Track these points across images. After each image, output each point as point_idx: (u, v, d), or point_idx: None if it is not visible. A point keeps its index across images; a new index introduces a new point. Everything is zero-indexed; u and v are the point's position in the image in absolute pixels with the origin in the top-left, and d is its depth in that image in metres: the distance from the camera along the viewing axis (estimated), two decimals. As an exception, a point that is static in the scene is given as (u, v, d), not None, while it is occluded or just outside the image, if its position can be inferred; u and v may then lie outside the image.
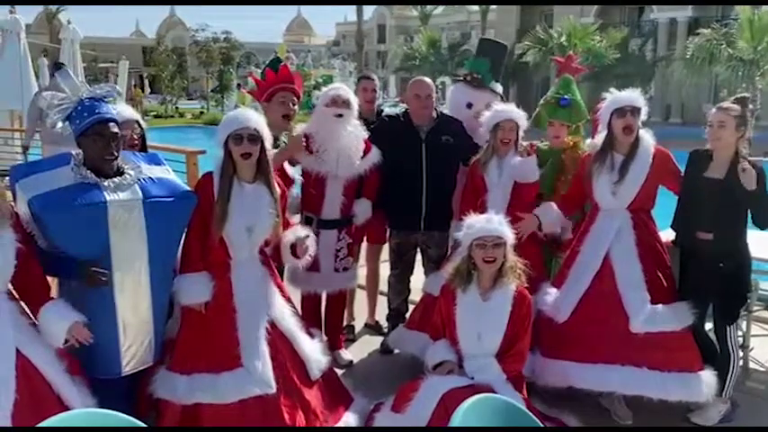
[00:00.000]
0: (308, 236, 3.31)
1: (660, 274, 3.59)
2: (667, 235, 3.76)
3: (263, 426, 2.96)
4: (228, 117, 3.15)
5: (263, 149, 3.08)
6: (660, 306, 3.46)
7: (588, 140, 4.07)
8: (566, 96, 4.22)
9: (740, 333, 3.93)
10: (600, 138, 3.72)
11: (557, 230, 3.93)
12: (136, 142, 3.48)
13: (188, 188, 3.09)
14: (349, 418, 3.31)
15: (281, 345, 3.14)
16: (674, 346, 3.43)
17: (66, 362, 2.68)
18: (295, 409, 3.06)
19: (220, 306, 3.07)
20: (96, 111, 2.77)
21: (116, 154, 2.82)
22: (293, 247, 3.29)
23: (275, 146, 3.85)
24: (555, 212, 3.85)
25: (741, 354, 3.79)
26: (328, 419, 3.20)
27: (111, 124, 2.80)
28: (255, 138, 3.04)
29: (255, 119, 3.09)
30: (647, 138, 3.64)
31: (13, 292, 2.68)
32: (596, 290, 3.57)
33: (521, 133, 3.99)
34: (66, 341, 2.64)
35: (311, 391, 3.19)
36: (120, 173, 2.84)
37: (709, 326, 3.70)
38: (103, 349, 2.84)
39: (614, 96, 3.62)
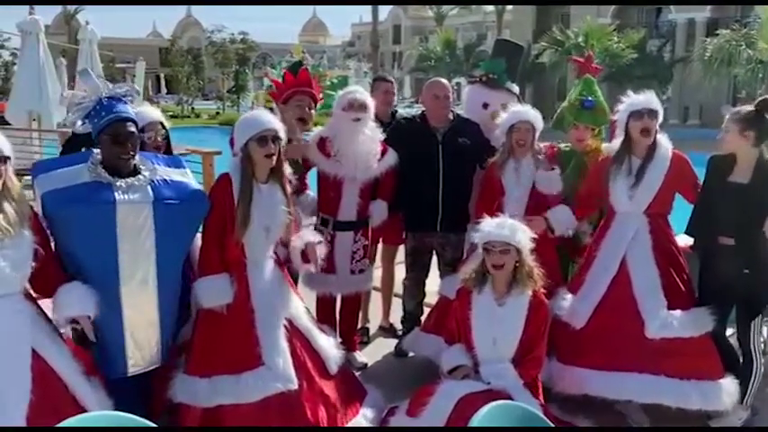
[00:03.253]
0: (319, 241, 3.29)
1: (677, 280, 3.54)
2: (685, 240, 3.71)
3: (285, 423, 2.98)
4: (248, 119, 3.15)
5: (279, 150, 3.11)
6: (677, 312, 3.42)
7: (606, 144, 4.03)
8: (589, 98, 4.16)
9: (762, 339, 3.86)
10: (617, 141, 3.69)
11: (568, 233, 3.86)
12: (160, 144, 3.48)
13: (202, 192, 3.10)
14: (366, 412, 3.34)
15: (298, 341, 3.17)
16: (692, 353, 3.38)
17: (82, 363, 2.68)
18: (317, 404, 3.09)
19: (238, 306, 3.08)
20: (114, 110, 2.80)
21: (132, 153, 2.84)
22: (303, 252, 3.28)
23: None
24: (567, 214, 3.80)
25: (763, 360, 3.72)
26: (347, 413, 3.23)
27: (129, 124, 2.82)
28: (277, 138, 3.06)
29: (274, 119, 3.12)
30: (665, 142, 3.61)
31: (32, 292, 2.70)
32: (612, 295, 3.54)
33: (537, 134, 3.95)
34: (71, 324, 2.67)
35: (330, 385, 3.22)
36: (135, 173, 2.85)
37: (729, 332, 3.65)
38: (109, 349, 2.86)
39: (631, 99, 3.59)
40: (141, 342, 2.91)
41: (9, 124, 12.01)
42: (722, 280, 3.44)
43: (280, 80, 4.25)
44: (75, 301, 2.67)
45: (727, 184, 3.40)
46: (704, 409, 3.36)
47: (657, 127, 3.58)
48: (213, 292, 3.05)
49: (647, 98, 3.57)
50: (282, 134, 3.10)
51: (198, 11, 61.40)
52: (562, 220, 3.79)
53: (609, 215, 3.72)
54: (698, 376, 3.33)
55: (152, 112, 3.53)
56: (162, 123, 3.53)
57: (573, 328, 3.57)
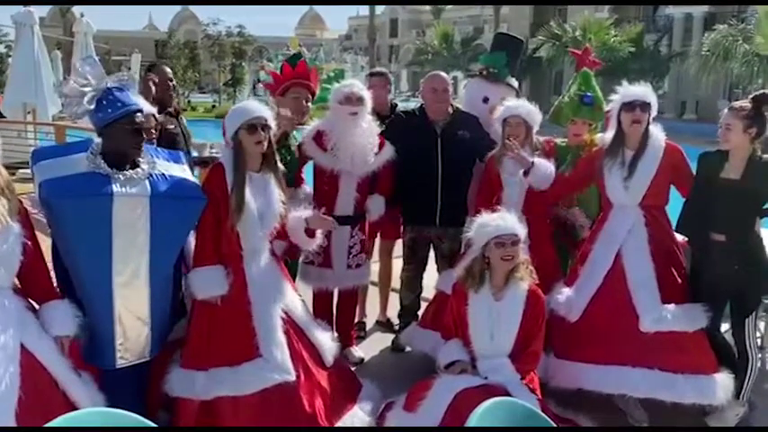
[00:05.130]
0: (315, 214, 3.31)
1: (673, 273, 3.53)
2: (682, 236, 3.70)
3: (283, 414, 2.98)
4: (237, 108, 3.19)
5: (269, 138, 3.12)
6: (672, 306, 3.41)
7: (599, 135, 4.02)
8: (588, 94, 4.15)
9: (758, 334, 3.87)
10: (610, 133, 3.67)
11: (541, 188, 3.80)
12: (154, 136, 3.49)
13: (200, 188, 3.08)
14: (363, 403, 3.34)
15: (294, 333, 3.17)
16: (687, 348, 3.37)
17: (73, 358, 2.66)
18: (314, 395, 3.09)
19: (235, 298, 3.08)
20: (126, 102, 2.80)
21: (142, 145, 2.86)
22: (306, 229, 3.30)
23: (285, 144, 3.83)
24: (549, 171, 3.75)
25: (759, 355, 3.72)
26: (344, 404, 3.24)
27: (139, 115, 2.84)
28: (266, 126, 3.08)
29: (264, 108, 3.15)
30: (657, 132, 3.59)
31: (19, 287, 2.67)
32: (607, 289, 3.53)
33: (535, 128, 3.93)
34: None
35: (327, 377, 3.23)
36: (134, 165, 2.84)
37: (725, 327, 3.64)
38: (98, 340, 2.85)
39: (624, 90, 3.58)
40: (130, 335, 2.89)
41: (3, 117, 11.96)
42: (714, 276, 3.43)
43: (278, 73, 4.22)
44: (57, 321, 2.66)
45: (718, 180, 3.39)
46: (699, 404, 3.36)
47: (651, 119, 3.56)
48: (207, 283, 3.05)
49: (640, 90, 3.55)
50: (272, 122, 3.12)
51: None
52: (541, 170, 3.74)
53: (605, 208, 3.71)
54: (692, 370, 3.33)
55: (144, 106, 3.51)
56: (154, 116, 3.55)
57: (568, 322, 3.57)
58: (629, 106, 3.52)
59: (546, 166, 3.76)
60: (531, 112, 3.90)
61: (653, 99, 3.56)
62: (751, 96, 3.42)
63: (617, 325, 3.46)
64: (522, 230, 3.22)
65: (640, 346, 3.38)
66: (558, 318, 3.59)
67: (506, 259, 3.20)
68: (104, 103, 2.78)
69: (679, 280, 3.55)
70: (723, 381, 3.35)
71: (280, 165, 3.24)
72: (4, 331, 2.47)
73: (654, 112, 3.56)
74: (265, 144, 3.08)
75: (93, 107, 2.77)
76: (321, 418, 3.08)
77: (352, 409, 3.27)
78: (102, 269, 2.77)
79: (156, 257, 2.88)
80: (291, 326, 3.17)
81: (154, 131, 3.52)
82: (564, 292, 3.64)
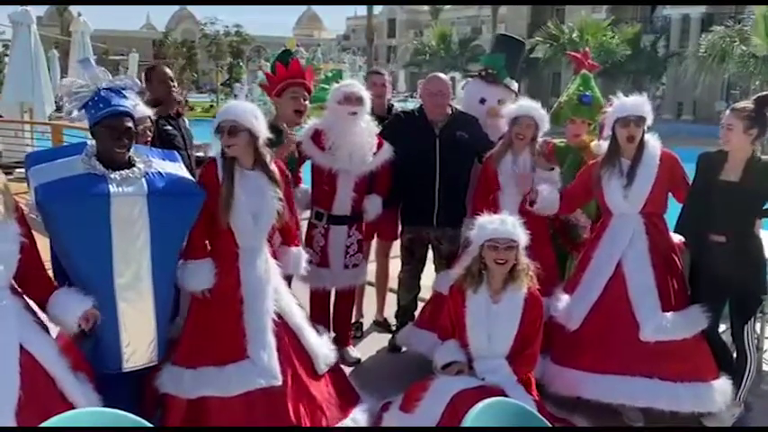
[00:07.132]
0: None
1: (672, 281, 3.52)
2: (679, 237, 3.71)
3: (268, 419, 2.94)
4: (222, 108, 3.17)
5: (254, 138, 3.05)
6: (671, 314, 3.40)
7: (595, 143, 4.02)
8: (587, 93, 4.16)
9: (755, 335, 3.87)
10: (606, 143, 3.67)
11: (547, 213, 3.80)
12: (149, 138, 3.48)
13: (197, 184, 3.08)
14: (357, 416, 3.28)
15: (287, 337, 3.14)
16: (686, 355, 3.36)
17: (70, 358, 2.65)
18: (300, 402, 3.05)
19: (227, 297, 3.05)
20: (112, 103, 2.77)
21: (127, 147, 2.82)
22: None
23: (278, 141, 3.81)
24: (555, 199, 3.74)
25: (756, 356, 3.73)
26: (335, 416, 3.17)
27: (126, 118, 2.81)
28: (236, 130, 3.01)
29: (241, 110, 3.07)
30: (653, 142, 3.59)
31: (16, 286, 2.66)
32: (608, 297, 3.51)
33: (539, 133, 3.92)
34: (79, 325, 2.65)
35: (317, 385, 3.18)
36: (129, 165, 2.84)
37: (722, 328, 3.65)
38: (104, 344, 2.83)
39: (619, 103, 3.56)
40: (137, 338, 2.88)
41: (0, 116, 11.93)
42: (714, 277, 3.43)
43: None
44: (72, 303, 2.65)
45: (717, 182, 3.39)
46: (697, 411, 3.36)
47: (646, 127, 3.55)
48: (194, 276, 3.03)
49: (635, 104, 3.53)
50: (250, 123, 3.02)
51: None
52: (547, 200, 3.73)
53: (605, 216, 3.69)
54: (691, 378, 3.32)
55: (136, 108, 3.50)
56: (150, 118, 3.54)
57: (568, 330, 3.56)
58: (623, 121, 3.51)
59: (550, 193, 3.73)
60: (545, 118, 3.89)
61: (647, 109, 3.55)
62: (754, 97, 3.42)
63: (617, 333, 3.44)
64: (521, 236, 3.19)
65: (640, 354, 3.36)
66: (558, 324, 3.58)
67: (499, 263, 3.19)
68: (92, 104, 2.78)
69: (678, 287, 3.54)
70: (722, 386, 3.35)
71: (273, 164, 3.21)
72: (4, 330, 2.46)
73: (649, 122, 3.56)
74: (238, 146, 3.02)
75: (83, 109, 2.77)
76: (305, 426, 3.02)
77: (342, 421, 3.21)
78: (102, 271, 2.75)
79: (157, 256, 2.86)
80: (285, 329, 3.13)
81: (149, 132, 3.50)
82: (563, 300, 3.64)
